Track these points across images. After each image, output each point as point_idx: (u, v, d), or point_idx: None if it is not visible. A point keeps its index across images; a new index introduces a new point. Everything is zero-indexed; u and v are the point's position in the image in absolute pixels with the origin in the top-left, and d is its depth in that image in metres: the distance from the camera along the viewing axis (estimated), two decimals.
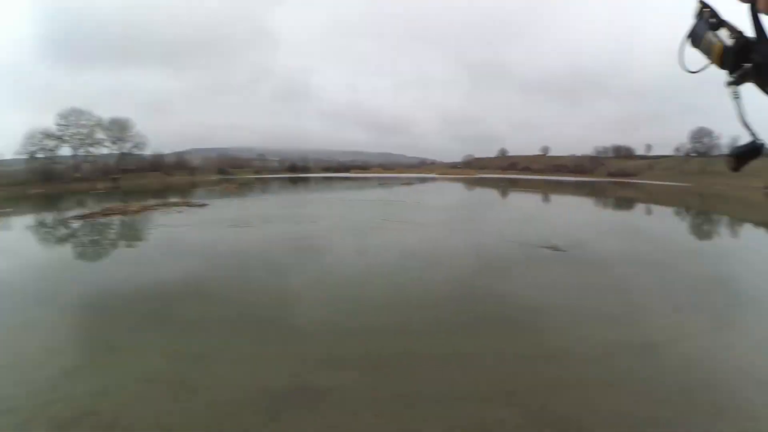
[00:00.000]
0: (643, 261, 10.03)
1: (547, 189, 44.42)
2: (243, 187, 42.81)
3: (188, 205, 21.79)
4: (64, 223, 17.55)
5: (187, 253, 10.74)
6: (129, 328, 5.71)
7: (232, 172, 75.94)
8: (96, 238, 14.10)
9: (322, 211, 20.29)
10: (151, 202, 24.62)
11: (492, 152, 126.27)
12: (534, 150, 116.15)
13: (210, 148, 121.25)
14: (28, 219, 20.18)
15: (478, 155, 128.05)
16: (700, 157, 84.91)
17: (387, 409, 3.74)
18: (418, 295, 7.04)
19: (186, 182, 59.58)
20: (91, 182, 58.06)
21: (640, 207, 28.06)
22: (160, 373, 4.39)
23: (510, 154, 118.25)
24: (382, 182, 53.46)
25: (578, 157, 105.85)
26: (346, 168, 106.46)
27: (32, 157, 61.37)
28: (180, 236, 13.19)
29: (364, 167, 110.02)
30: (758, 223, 20.05)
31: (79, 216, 18.81)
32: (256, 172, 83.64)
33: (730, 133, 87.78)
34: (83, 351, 5.12)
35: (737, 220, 21.93)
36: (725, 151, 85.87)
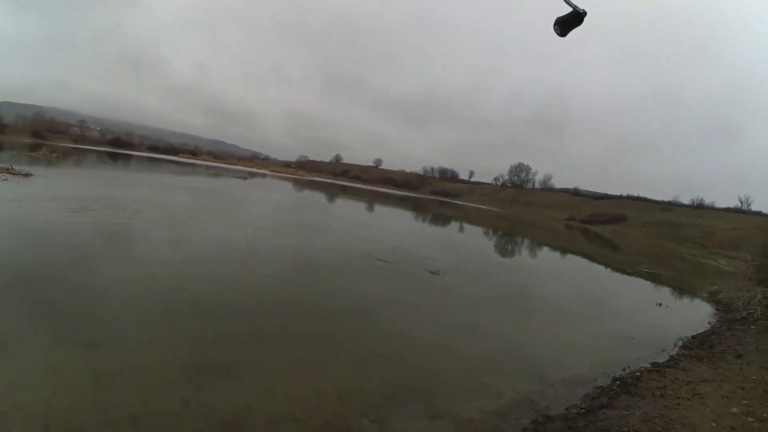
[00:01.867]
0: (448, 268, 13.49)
1: (373, 199, 46.94)
2: (63, 157, 36.37)
3: (9, 172, 17.68)
4: None
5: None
6: None
7: (48, 137, 61.85)
8: None
9: (161, 197, 19.13)
10: None
11: (327, 157, 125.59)
12: (368, 161, 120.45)
13: (27, 104, 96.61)
14: None
15: (313, 158, 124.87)
16: (514, 188, 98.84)
17: None
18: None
19: None
20: None
21: (454, 224, 33.91)
22: None
23: (344, 161, 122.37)
24: (215, 173, 51.12)
25: (407, 173, 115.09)
26: (174, 150, 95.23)
27: None
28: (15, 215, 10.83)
29: (194, 152, 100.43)
30: (555, 247, 28.20)
31: None
32: (74, 141, 69.59)
33: (544, 171, 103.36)
34: None
35: (537, 242, 29.61)
36: (538, 186, 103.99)
